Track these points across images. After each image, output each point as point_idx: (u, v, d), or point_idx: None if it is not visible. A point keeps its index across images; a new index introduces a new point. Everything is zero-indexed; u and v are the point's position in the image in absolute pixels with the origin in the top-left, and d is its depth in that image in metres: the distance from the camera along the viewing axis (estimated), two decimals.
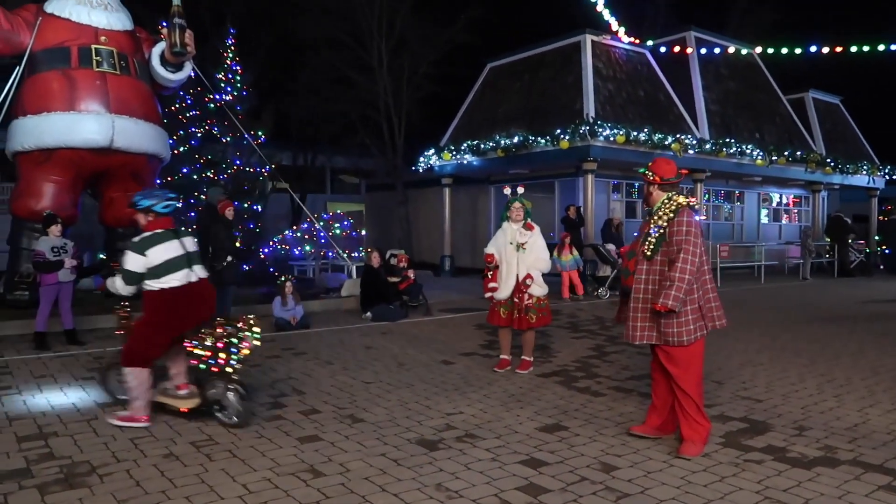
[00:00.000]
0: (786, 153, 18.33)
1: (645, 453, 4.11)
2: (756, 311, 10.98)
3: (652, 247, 4.06)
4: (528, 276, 6.14)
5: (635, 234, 4.57)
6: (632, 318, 4.16)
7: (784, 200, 22.32)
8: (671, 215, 4.05)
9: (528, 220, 6.34)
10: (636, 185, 17.68)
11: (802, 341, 8.09)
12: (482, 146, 16.54)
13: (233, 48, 14.55)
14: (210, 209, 8.87)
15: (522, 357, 6.43)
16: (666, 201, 4.15)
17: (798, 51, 18.09)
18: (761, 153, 17.57)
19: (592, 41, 16.12)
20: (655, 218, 4.12)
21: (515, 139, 15.54)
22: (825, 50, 17.46)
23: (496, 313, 6.32)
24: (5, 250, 10.05)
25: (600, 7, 16.11)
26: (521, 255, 6.21)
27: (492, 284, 6.34)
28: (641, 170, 4.32)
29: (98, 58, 9.64)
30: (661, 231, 4.06)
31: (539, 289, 6.23)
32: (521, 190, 6.46)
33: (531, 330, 6.33)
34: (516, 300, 6.18)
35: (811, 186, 21.31)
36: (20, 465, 3.89)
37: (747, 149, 17.28)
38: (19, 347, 7.56)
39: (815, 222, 21.55)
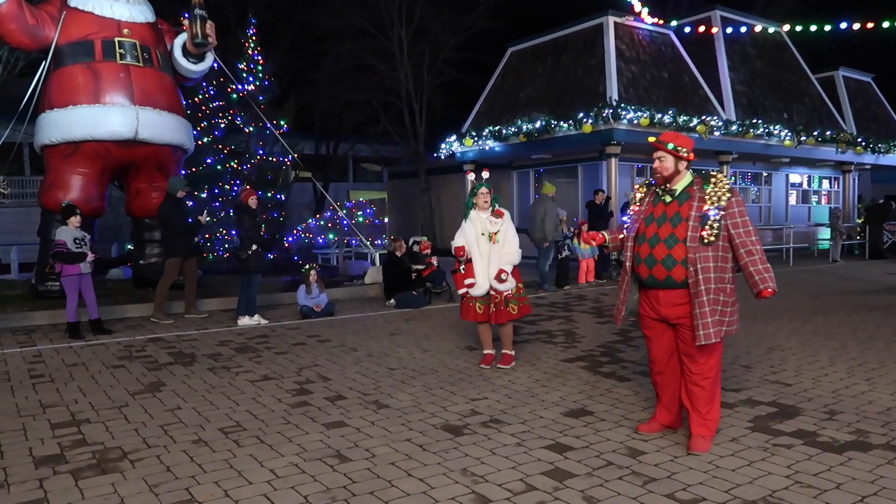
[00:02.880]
0: (815, 133, 17.95)
1: (672, 438, 4.07)
2: (785, 294, 10.81)
3: (716, 231, 3.63)
4: (501, 271, 5.69)
5: (624, 220, 4.14)
6: (700, 316, 3.65)
7: (813, 182, 21.87)
8: (729, 196, 3.68)
9: (497, 207, 5.88)
10: None
11: (833, 325, 7.95)
12: (504, 131, 16.44)
13: (254, 38, 14.60)
14: (170, 198, 9.00)
15: (503, 351, 6.06)
16: (713, 181, 3.76)
17: (827, 28, 17.64)
18: (790, 134, 17.23)
19: (615, 23, 15.89)
20: (711, 199, 3.68)
21: (538, 124, 15.42)
22: (856, 26, 17.00)
23: (471, 309, 5.88)
24: (37, 242, 10.25)
25: None
26: (494, 245, 5.76)
27: (468, 280, 5.84)
28: (670, 145, 3.78)
29: (121, 50, 9.73)
30: (722, 213, 3.66)
31: (509, 283, 5.76)
32: (485, 174, 5.89)
33: (510, 322, 5.96)
34: (493, 293, 5.77)
35: (842, 167, 20.85)
36: (54, 451, 3.98)
37: (775, 129, 16.95)
38: (51, 337, 7.72)
39: (845, 204, 21.11)
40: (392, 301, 10.05)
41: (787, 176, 20.72)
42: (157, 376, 5.81)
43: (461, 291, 5.93)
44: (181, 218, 8.91)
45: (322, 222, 14.87)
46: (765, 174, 20.10)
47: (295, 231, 14.50)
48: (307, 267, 9.57)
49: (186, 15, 10.10)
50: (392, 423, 4.43)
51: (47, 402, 5.03)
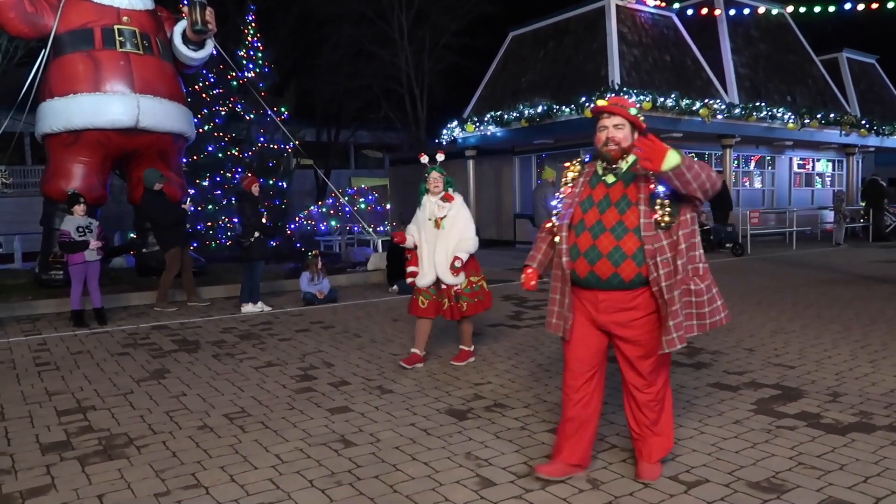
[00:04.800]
0: (818, 116, 17.84)
1: (675, 420, 4.07)
2: (788, 277, 10.80)
3: (669, 210, 2.92)
4: (456, 258, 5.21)
5: (554, 204, 3.30)
6: (671, 316, 2.96)
7: (817, 165, 21.78)
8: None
9: (448, 191, 5.39)
10: None
11: (836, 308, 7.94)
12: (506, 117, 16.38)
13: (254, 25, 14.53)
14: (148, 192, 9.00)
15: (461, 346, 5.63)
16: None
17: (831, 9, 17.47)
18: (793, 116, 17.13)
19: (617, 6, 15.77)
20: (648, 173, 2.93)
21: (539, 108, 15.35)
22: (860, 7, 16.84)
23: (415, 302, 5.43)
24: (40, 231, 10.26)
25: None
26: (440, 232, 5.25)
27: (411, 268, 5.44)
28: (633, 111, 3.08)
29: (121, 38, 9.68)
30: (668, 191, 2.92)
31: (459, 277, 5.26)
32: (440, 157, 5.49)
33: (466, 319, 5.47)
34: (443, 286, 5.30)
35: (845, 150, 20.76)
36: (61, 437, 4.01)
37: (778, 112, 16.86)
38: (56, 325, 7.75)
39: (849, 186, 21.02)
40: (395, 287, 10.06)
41: (790, 159, 20.63)
42: (162, 363, 5.83)
43: (408, 281, 5.55)
44: (162, 210, 8.89)
45: (324, 209, 14.88)
46: (768, 157, 20.01)
47: (297, 218, 14.52)
48: (312, 254, 9.58)
49: (186, 2, 10.05)
50: (396, 408, 4.45)
51: (53, 389, 5.06)
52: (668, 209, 2.92)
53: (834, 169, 22.23)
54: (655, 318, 3.06)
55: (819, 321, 7.12)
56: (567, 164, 3.33)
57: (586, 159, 3.29)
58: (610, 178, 3.09)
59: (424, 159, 5.57)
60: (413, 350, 5.55)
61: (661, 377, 3.19)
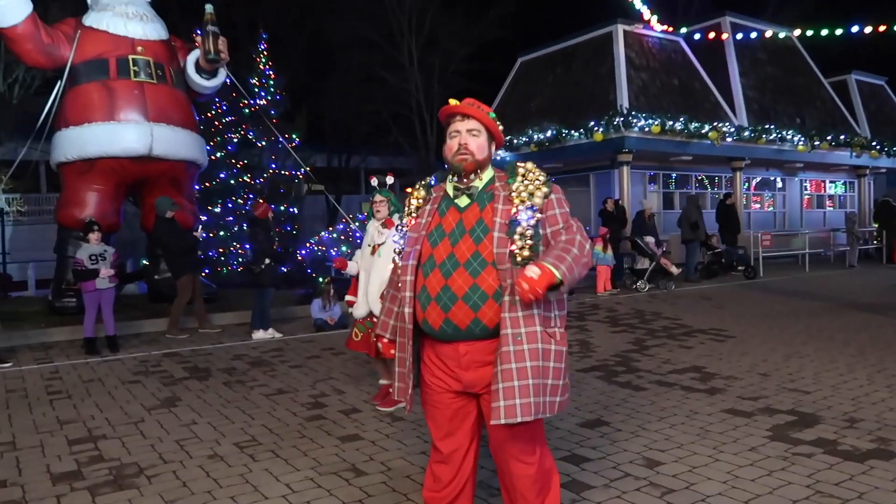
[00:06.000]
0: (828, 138, 17.83)
1: (689, 448, 4.03)
2: (801, 300, 10.70)
3: (531, 243, 2.34)
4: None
5: (396, 240, 2.70)
6: (517, 374, 2.29)
7: (828, 186, 21.69)
8: (545, 191, 2.45)
9: (391, 217, 4.93)
10: (673, 175, 17.40)
11: (851, 331, 7.85)
12: (515, 141, 16.47)
13: (265, 53, 14.74)
14: (160, 220, 9.07)
15: (381, 382, 5.18)
16: (521, 172, 2.50)
17: (839, 32, 17.54)
18: (803, 138, 17.13)
19: (625, 31, 15.92)
20: (521, 196, 2.42)
21: (548, 133, 15.44)
22: (867, 30, 16.90)
23: (351, 334, 5.11)
24: (53, 259, 10.36)
25: None
26: (375, 259, 4.83)
27: (348, 297, 5.11)
28: (492, 114, 2.54)
29: (135, 68, 9.85)
30: (539, 216, 2.40)
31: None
32: (389, 179, 5.19)
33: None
34: (374, 319, 4.78)
35: (856, 171, 20.68)
36: (72, 467, 4.00)
37: (788, 134, 16.85)
38: (68, 353, 7.78)
39: (861, 208, 20.90)
40: None
41: (801, 181, 20.57)
42: (173, 391, 5.84)
43: (349, 311, 5.17)
44: (174, 238, 8.97)
45: (335, 235, 14.93)
46: (779, 179, 19.96)
47: (308, 244, 14.57)
48: (325, 281, 9.59)
49: (199, 31, 10.23)
50: (407, 436, 4.42)
51: (64, 418, 5.06)
52: (528, 241, 2.34)
53: (846, 190, 22.13)
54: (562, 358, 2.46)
55: (834, 345, 7.04)
56: (409, 189, 2.71)
57: (432, 181, 2.67)
58: (463, 201, 2.51)
59: (374, 182, 5.16)
60: (381, 382, 5.21)
61: (541, 443, 2.55)
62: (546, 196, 2.45)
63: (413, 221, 2.58)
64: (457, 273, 2.38)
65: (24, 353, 7.81)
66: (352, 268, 5.17)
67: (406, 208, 2.66)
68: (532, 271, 2.22)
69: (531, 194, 2.43)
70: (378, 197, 4.99)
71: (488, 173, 2.54)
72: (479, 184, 2.51)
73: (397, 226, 2.67)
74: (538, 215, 2.40)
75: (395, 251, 2.66)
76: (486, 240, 2.39)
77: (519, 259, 2.33)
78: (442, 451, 2.56)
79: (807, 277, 14.53)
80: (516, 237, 2.35)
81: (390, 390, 4.96)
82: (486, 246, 2.38)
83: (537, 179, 2.47)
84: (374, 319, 4.73)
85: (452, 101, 2.53)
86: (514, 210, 2.40)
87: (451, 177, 2.57)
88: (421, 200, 2.63)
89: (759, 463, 3.76)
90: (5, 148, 13.82)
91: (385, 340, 2.73)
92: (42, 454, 4.24)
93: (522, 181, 2.47)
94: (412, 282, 2.48)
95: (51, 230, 10.86)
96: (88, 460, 4.11)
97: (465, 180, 2.50)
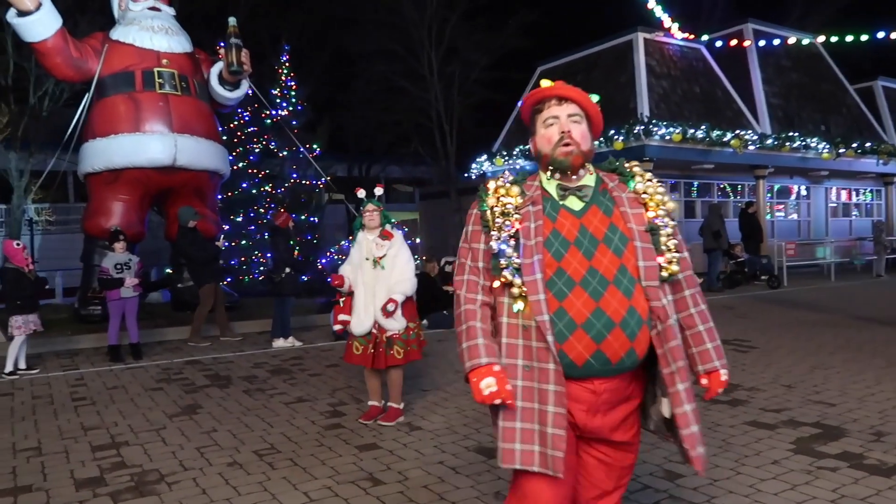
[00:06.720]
0: (854, 145, 17.56)
1: (711, 460, 3.98)
2: (827, 311, 10.52)
3: (676, 256, 2.05)
4: (390, 300, 4.68)
5: (499, 246, 2.03)
6: (693, 418, 2.05)
7: (854, 195, 21.35)
8: (665, 199, 2.11)
9: (386, 227, 4.94)
10: (695, 183, 17.25)
11: (878, 342, 7.70)
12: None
13: (287, 64, 14.92)
14: (182, 230, 9.18)
15: (389, 404, 5.02)
16: (631, 170, 2.17)
17: (864, 38, 17.31)
18: (827, 146, 16.89)
19: (645, 39, 15.86)
20: (654, 199, 2.09)
21: None
22: (893, 35, 16.65)
23: (350, 348, 4.91)
24: (80, 267, 10.53)
25: (652, 4, 15.84)
26: (379, 273, 4.77)
27: (342, 317, 4.92)
28: (595, 97, 2.17)
29: (160, 80, 10.03)
30: (674, 224, 2.10)
31: (397, 322, 4.74)
32: (378, 190, 5.10)
33: (396, 368, 4.90)
34: (374, 331, 4.76)
35: (883, 179, 20.34)
36: (94, 473, 4.06)
37: (812, 142, 16.64)
38: (93, 360, 7.90)
39: (888, 216, 20.54)
40: (425, 322, 10.05)
41: (826, 189, 20.27)
42: (194, 398, 5.90)
43: (336, 328, 5.05)
44: (197, 247, 9.10)
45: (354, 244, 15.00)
46: (803, 187, 19.70)
47: (328, 253, 14.66)
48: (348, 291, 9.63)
49: (222, 44, 10.39)
50: (425, 446, 4.42)
51: (88, 424, 5.14)
52: (675, 254, 2.04)
53: (873, 198, 21.76)
54: None
55: (861, 356, 6.91)
56: (493, 185, 2.13)
57: (512, 176, 2.16)
58: (575, 203, 2.07)
59: (361, 193, 5.07)
60: (370, 403, 5.10)
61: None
62: (666, 207, 2.10)
63: (520, 225, 2.05)
64: (609, 293, 1.95)
65: (50, 360, 7.94)
66: (346, 285, 4.95)
67: (492, 208, 2.09)
68: (725, 375, 2.10)
69: (663, 200, 2.09)
70: (370, 206, 4.93)
71: (591, 173, 2.14)
72: (590, 182, 2.10)
73: (490, 231, 2.06)
74: (672, 223, 2.08)
75: (501, 264, 2.02)
76: (628, 251, 2.01)
77: (666, 274, 2.03)
78: None
79: (832, 287, 14.29)
80: (662, 248, 2.04)
81: (370, 405, 5.04)
82: (629, 259, 2.00)
83: (656, 182, 2.13)
84: (374, 332, 4.77)
85: (544, 83, 2.16)
86: (651, 215, 2.06)
87: (547, 175, 2.12)
88: (515, 197, 2.09)
89: (783, 476, 3.70)
90: (35, 159, 14.10)
91: (496, 369, 2.00)
92: (66, 460, 4.31)
93: (641, 180, 2.12)
94: (545, 302, 1.97)
95: (78, 239, 11.06)
96: (111, 466, 4.16)
97: (573, 178, 2.09)
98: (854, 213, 21.34)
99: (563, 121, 2.07)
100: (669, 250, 2.03)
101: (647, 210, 2.07)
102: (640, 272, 1.99)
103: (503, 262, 2.02)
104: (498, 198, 2.09)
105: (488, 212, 2.08)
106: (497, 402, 1.96)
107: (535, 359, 1.97)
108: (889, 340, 7.76)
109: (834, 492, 3.47)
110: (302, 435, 4.74)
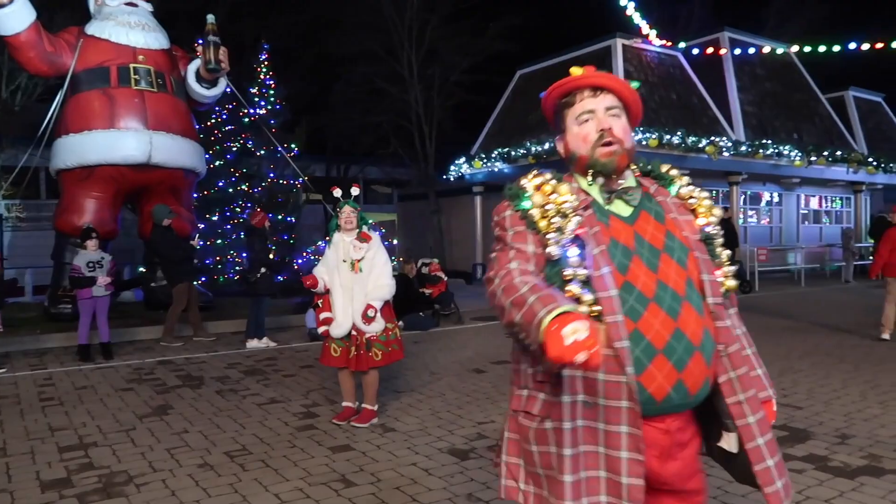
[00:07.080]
0: (825, 153, 17.91)
1: None
2: (796, 316, 10.71)
3: (731, 273, 1.82)
4: (369, 306, 4.69)
5: (563, 253, 1.65)
6: (770, 451, 1.78)
7: (824, 202, 21.77)
8: (710, 204, 1.87)
9: (364, 229, 4.94)
10: None
11: (846, 347, 7.86)
12: (513, 153, 16.52)
13: (266, 63, 14.81)
14: (157, 228, 9.09)
15: (364, 405, 5.01)
16: (668, 174, 1.92)
17: (836, 48, 17.67)
18: (800, 154, 17.20)
19: (623, 45, 16.01)
20: (702, 204, 1.84)
21: (546, 145, 15.48)
22: (865, 47, 17.02)
23: (327, 350, 4.89)
24: (51, 265, 10.36)
25: (630, 11, 16.00)
26: (357, 276, 4.78)
27: (324, 315, 4.88)
28: (635, 84, 1.90)
29: (136, 76, 9.90)
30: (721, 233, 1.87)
31: (377, 324, 4.75)
32: (355, 191, 5.06)
33: (374, 370, 4.88)
34: (353, 333, 4.78)
35: (853, 187, 20.75)
36: (61, 474, 3.99)
37: (785, 150, 16.93)
38: (63, 359, 7.77)
39: (857, 223, 20.96)
40: (400, 323, 10.02)
41: (797, 196, 20.64)
42: (166, 399, 5.83)
43: (320, 330, 4.98)
44: (170, 246, 9.01)
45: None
46: (776, 194, 20.03)
47: (305, 253, 14.57)
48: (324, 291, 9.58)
49: (200, 41, 10.29)
50: (398, 447, 4.42)
51: (56, 425, 5.06)
52: (730, 267, 1.81)
53: (842, 206, 22.20)
54: None
55: (828, 360, 7.04)
56: (534, 182, 1.79)
57: (544, 174, 1.84)
58: (622, 209, 1.75)
59: (337, 192, 5.00)
60: (344, 404, 5.08)
61: None
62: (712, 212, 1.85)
63: (583, 230, 1.67)
64: (684, 310, 1.63)
65: (18, 358, 7.79)
66: (321, 286, 4.93)
67: (542, 206, 1.71)
68: (775, 406, 1.92)
69: (709, 207, 1.84)
70: (347, 208, 4.89)
71: (630, 172, 1.84)
72: (631, 181, 1.80)
73: (543, 233, 1.68)
74: (722, 232, 1.85)
75: (566, 275, 1.62)
76: (691, 263, 1.71)
77: (723, 290, 1.75)
78: None
79: (802, 292, 14.55)
80: (717, 260, 1.77)
81: (344, 405, 5.03)
82: (693, 272, 1.70)
83: (695, 187, 1.89)
84: (353, 334, 4.77)
85: (575, 71, 1.83)
86: (702, 222, 1.80)
87: (588, 178, 1.79)
88: (569, 196, 1.72)
89: None
90: (7, 154, 13.85)
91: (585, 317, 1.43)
92: (32, 461, 4.23)
93: (682, 185, 1.88)
94: (623, 324, 1.59)
95: (49, 236, 10.88)
96: (78, 468, 4.10)
97: (619, 181, 1.77)
98: (824, 219, 21.74)
99: (600, 116, 1.76)
100: (724, 263, 1.78)
101: (696, 217, 1.81)
102: (704, 287, 1.70)
103: (569, 272, 1.63)
104: (547, 195, 1.72)
105: (534, 210, 1.70)
106: (581, 358, 1.34)
107: (602, 394, 1.58)
108: (855, 345, 7.92)
109: (800, 493, 3.54)
110: (274, 436, 4.71)
